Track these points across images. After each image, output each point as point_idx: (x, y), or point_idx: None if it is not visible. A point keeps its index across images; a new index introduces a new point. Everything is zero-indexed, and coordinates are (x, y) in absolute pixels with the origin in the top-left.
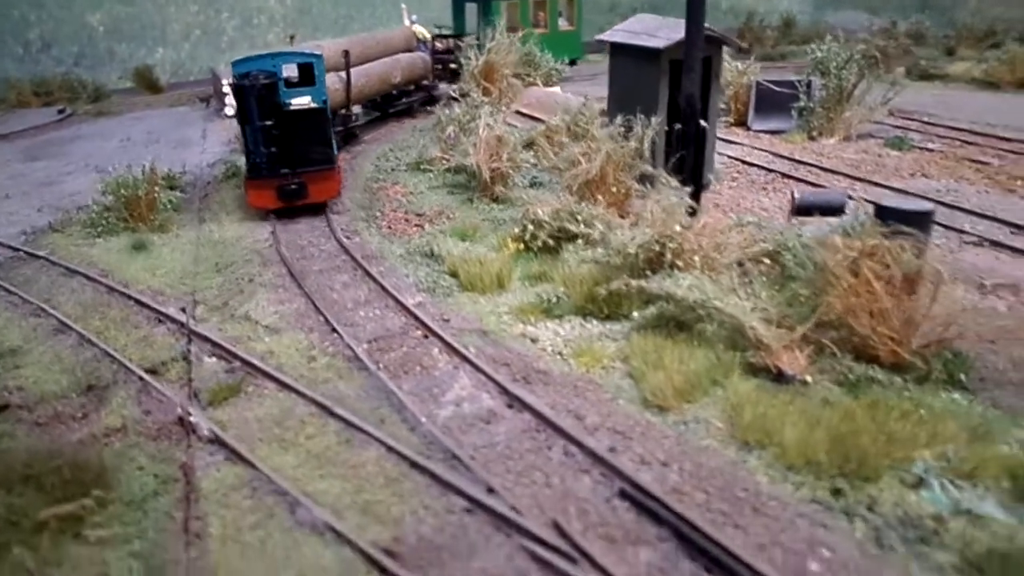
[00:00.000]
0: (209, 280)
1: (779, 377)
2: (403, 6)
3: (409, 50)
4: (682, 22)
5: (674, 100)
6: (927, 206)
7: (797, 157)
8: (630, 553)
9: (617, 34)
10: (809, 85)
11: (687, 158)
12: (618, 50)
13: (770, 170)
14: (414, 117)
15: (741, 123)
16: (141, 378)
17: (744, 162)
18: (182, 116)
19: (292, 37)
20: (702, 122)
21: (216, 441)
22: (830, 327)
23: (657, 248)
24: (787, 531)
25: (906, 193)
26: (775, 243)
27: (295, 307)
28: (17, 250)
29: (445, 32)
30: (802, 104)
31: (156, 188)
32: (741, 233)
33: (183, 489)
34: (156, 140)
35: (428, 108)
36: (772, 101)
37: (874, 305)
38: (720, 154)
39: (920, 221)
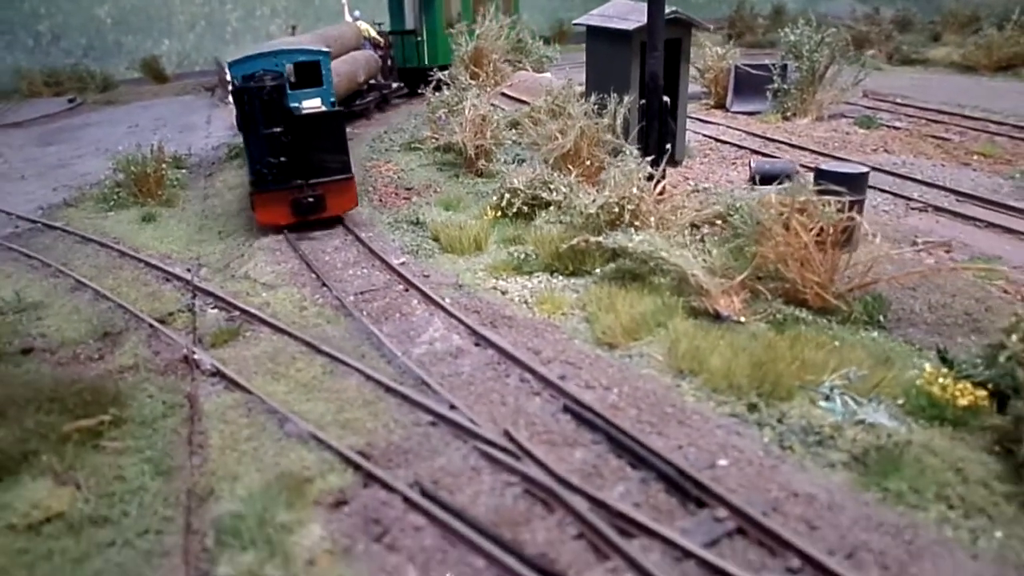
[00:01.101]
0: (212, 246)
1: (716, 318)
2: (343, 1)
3: (359, 48)
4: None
5: (644, 79)
6: (861, 169)
7: (769, 135)
8: (567, 453)
9: (593, 18)
10: (784, 68)
11: (650, 131)
12: (593, 33)
13: (741, 147)
14: (368, 119)
15: (721, 105)
16: (151, 326)
17: (718, 140)
18: (187, 104)
19: (294, 28)
20: (665, 98)
21: (217, 374)
22: (765, 275)
23: (616, 209)
24: (704, 437)
25: (861, 163)
26: (726, 206)
27: (290, 267)
28: (35, 222)
29: (385, 29)
30: (776, 86)
31: (164, 166)
32: (696, 198)
33: (188, 411)
34: (163, 126)
35: (382, 108)
36: (750, 84)
37: (802, 254)
38: (696, 133)
39: (853, 182)
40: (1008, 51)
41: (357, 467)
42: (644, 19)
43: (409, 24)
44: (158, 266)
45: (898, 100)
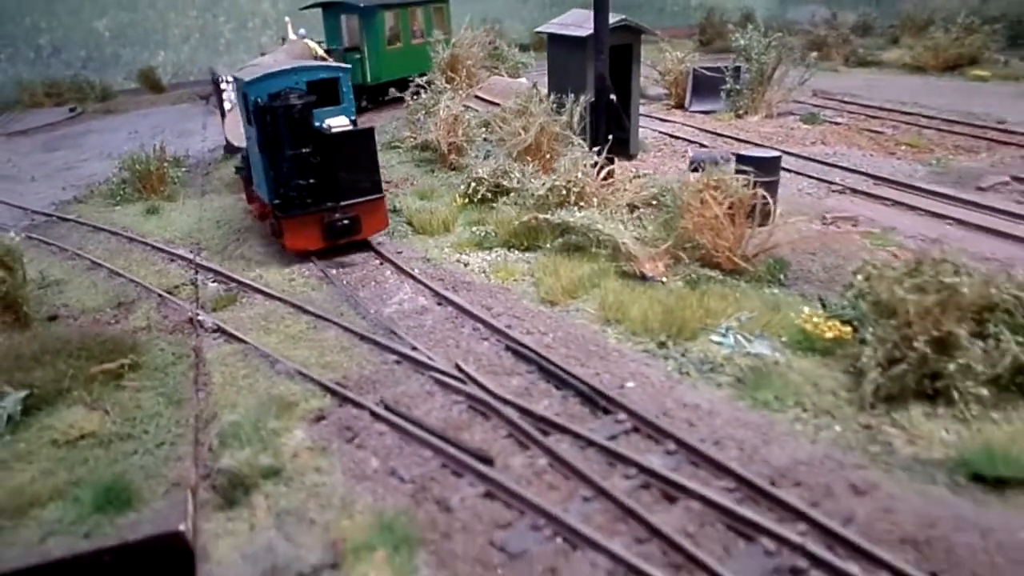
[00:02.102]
0: (211, 233)
1: (643, 279)
2: (287, 19)
3: None
4: (612, 16)
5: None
6: (773, 154)
7: (720, 132)
8: (505, 379)
9: (552, 27)
10: (737, 70)
11: (599, 125)
12: (553, 40)
13: (693, 142)
14: None
15: (680, 105)
16: (160, 296)
17: (673, 136)
18: (184, 112)
19: (284, 39)
20: (612, 96)
21: (218, 330)
22: (686, 243)
23: (564, 192)
24: (618, 367)
25: (773, 148)
26: (659, 188)
27: (279, 249)
28: (50, 216)
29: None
30: (729, 87)
31: (165, 164)
32: (636, 183)
33: (193, 359)
34: (161, 132)
35: None
36: (707, 85)
37: (715, 224)
38: (655, 130)
39: (766, 165)
40: (953, 52)
41: (334, 393)
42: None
43: (347, 42)
44: (163, 249)
45: (845, 99)
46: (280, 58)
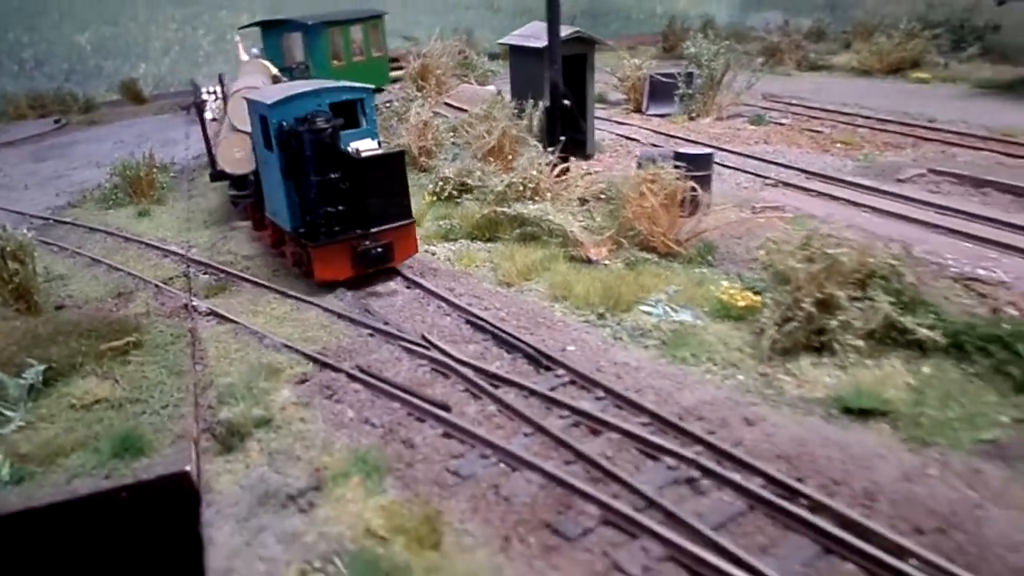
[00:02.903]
0: (199, 232)
1: (588, 262)
2: (237, 38)
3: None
4: (564, 27)
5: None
6: (706, 151)
7: (673, 133)
8: (464, 346)
9: (513, 38)
10: (690, 76)
11: (554, 128)
12: (514, 51)
13: (645, 143)
14: None
15: (638, 109)
16: (157, 286)
17: (628, 138)
18: (166, 122)
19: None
20: (566, 101)
21: (211, 314)
22: (627, 231)
23: (520, 188)
24: (561, 334)
25: (707, 145)
26: (607, 183)
27: (264, 246)
28: (47, 219)
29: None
30: (682, 91)
31: (154, 170)
32: (588, 179)
33: (190, 338)
34: (146, 141)
35: None
36: (663, 90)
37: (651, 213)
38: (612, 132)
39: (700, 161)
40: (896, 56)
41: (315, 360)
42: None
43: (288, 61)
44: (157, 246)
45: (792, 101)
46: (258, 79)
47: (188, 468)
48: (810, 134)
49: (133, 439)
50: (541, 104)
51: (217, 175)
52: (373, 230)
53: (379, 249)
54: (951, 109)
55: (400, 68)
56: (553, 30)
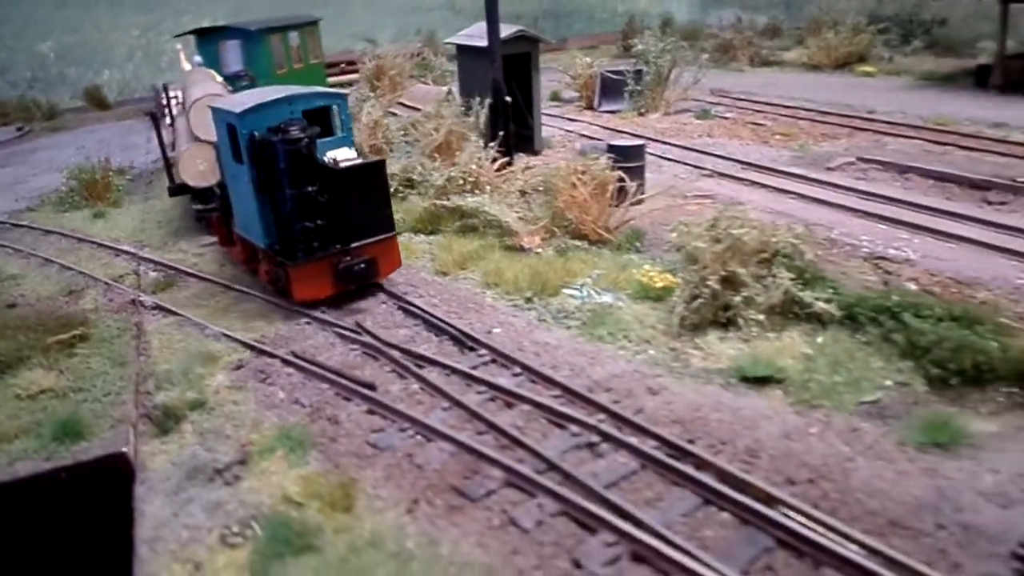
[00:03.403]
0: (153, 232)
1: (521, 250)
2: (178, 46)
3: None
4: (507, 27)
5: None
6: (638, 142)
7: (622, 128)
8: (395, 332)
9: (460, 38)
10: (639, 73)
11: (495, 123)
12: (461, 50)
13: (593, 138)
14: None
15: (590, 106)
16: (106, 284)
17: (579, 134)
18: (129, 127)
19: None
20: (508, 98)
21: (157, 308)
22: (560, 220)
23: (461, 181)
24: (490, 318)
25: (638, 137)
26: (544, 176)
27: (214, 243)
28: (3, 223)
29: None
30: (631, 88)
31: (110, 174)
32: (528, 173)
33: (135, 332)
34: (107, 146)
35: None
36: (614, 87)
37: (581, 203)
38: (562, 128)
39: (631, 152)
40: (843, 51)
41: (252, 347)
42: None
43: (227, 69)
44: (109, 246)
45: (740, 96)
46: (216, 87)
47: (125, 449)
48: (752, 127)
49: (74, 424)
50: (486, 102)
51: (177, 189)
52: (354, 244)
53: (362, 265)
54: (891, 101)
55: (354, 71)
56: (492, 29)
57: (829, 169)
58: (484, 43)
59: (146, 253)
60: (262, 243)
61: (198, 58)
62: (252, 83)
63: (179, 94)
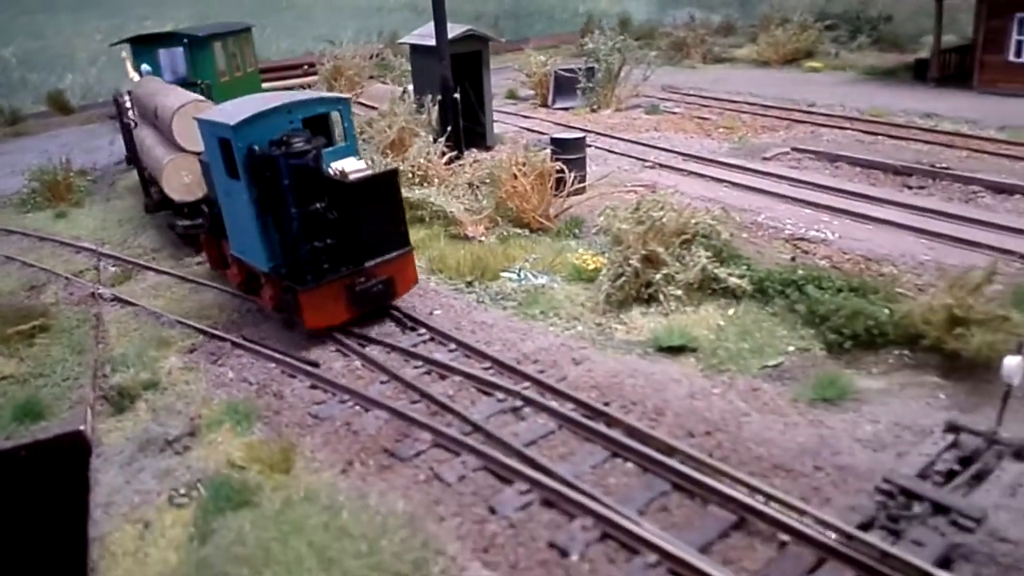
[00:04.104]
0: (114, 230)
1: (466, 239)
2: (124, 55)
3: None
4: (457, 26)
5: (457, 83)
6: (578, 135)
7: (574, 124)
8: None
9: (412, 38)
10: (591, 70)
11: (445, 120)
12: (413, 49)
13: (544, 133)
14: None
15: (545, 104)
16: (67, 278)
17: (531, 130)
18: (92, 131)
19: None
20: (456, 96)
21: (115, 299)
22: (503, 210)
23: (410, 175)
24: (431, 302)
25: (580, 130)
26: (490, 169)
27: (172, 239)
28: None
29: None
30: (583, 85)
31: (71, 175)
32: (477, 166)
33: (94, 322)
34: (71, 150)
35: None
36: (567, 84)
37: (522, 193)
38: (517, 126)
39: (572, 144)
40: (791, 47)
41: (205, 333)
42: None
43: (168, 78)
44: (71, 244)
45: (690, 92)
46: (185, 93)
47: (82, 427)
48: (698, 121)
49: (33, 406)
50: (436, 98)
51: (157, 205)
52: (368, 264)
53: (379, 285)
54: (833, 94)
55: (315, 73)
56: (440, 29)
57: (765, 159)
58: (434, 42)
59: (106, 250)
60: (264, 266)
61: (147, 67)
62: (207, 91)
63: (132, 102)
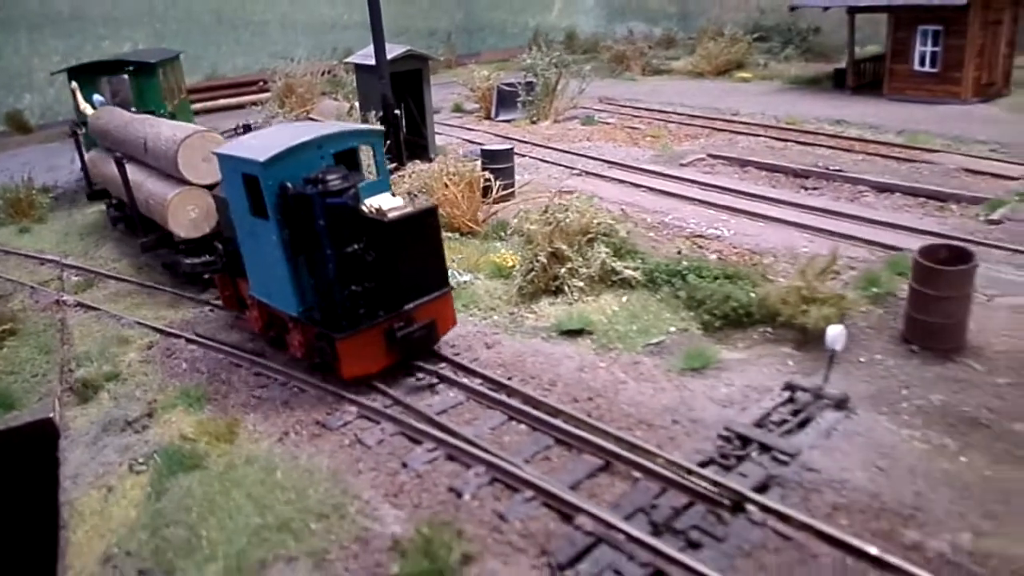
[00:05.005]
0: (76, 244)
1: None
2: (73, 85)
3: None
4: (398, 46)
5: (400, 99)
6: (507, 146)
7: (514, 136)
8: None
9: (357, 57)
10: (530, 84)
11: (387, 133)
12: (359, 68)
13: (484, 145)
14: None
15: (488, 116)
16: (32, 288)
17: (472, 141)
18: (53, 150)
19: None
20: (397, 111)
21: (78, 305)
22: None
23: None
24: None
25: (505, 140)
26: (425, 179)
27: (133, 249)
28: None
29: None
30: (523, 98)
31: (33, 192)
32: (415, 176)
33: (60, 326)
34: (32, 168)
35: None
36: (509, 98)
37: (452, 200)
38: (460, 138)
39: (500, 155)
40: (723, 59)
41: (161, 331)
42: (387, 57)
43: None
44: (35, 256)
45: (625, 103)
46: (172, 127)
47: (51, 415)
48: (628, 131)
49: (5, 398)
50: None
51: (156, 242)
52: (408, 306)
53: (422, 330)
54: (757, 103)
55: (266, 90)
56: (379, 50)
57: (682, 165)
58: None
59: (69, 261)
60: (294, 311)
61: (99, 97)
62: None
63: (96, 134)
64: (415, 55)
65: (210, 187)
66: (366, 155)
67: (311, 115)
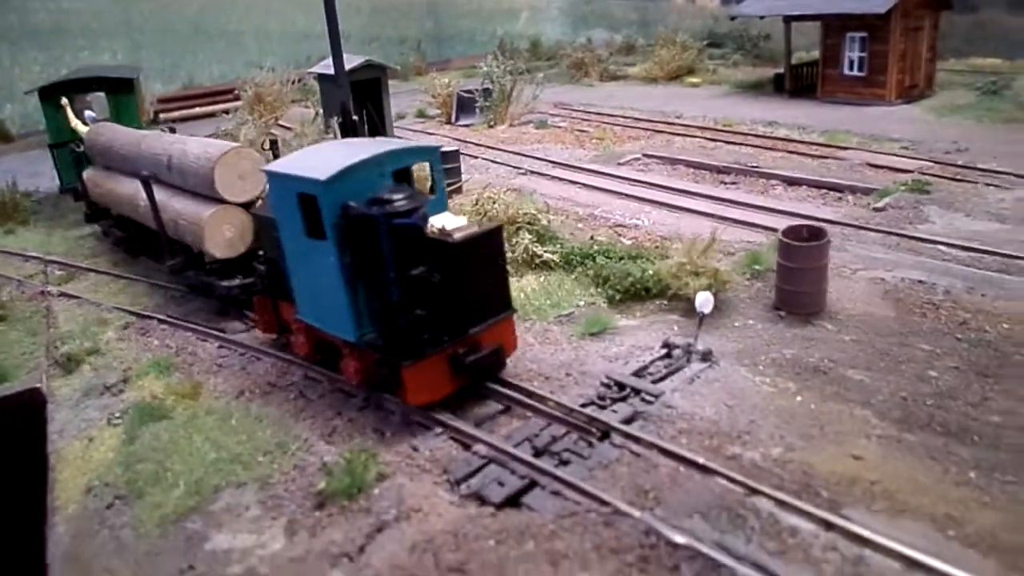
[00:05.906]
0: (59, 244)
1: None
2: (63, 101)
3: None
4: (356, 57)
5: (361, 106)
6: (453, 148)
7: (471, 139)
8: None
9: (319, 67)
10: (487, 91)
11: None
12: (321, 78)
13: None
14: None
15: (449, 121)
16: (19, 280)
17: None
18: (34, 158)
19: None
20: (355, 117)
21: (62, 295)
22: None
23: None
24: None
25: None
26: None
27: (112, 247)
28: None
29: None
30: (481, 104)
31: (17, 196)
32: None
33: (45, 312)
34: (15, 175)
35: None
36: (468, 104)
37: None
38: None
39: (449, 157)
40: (675, 65)
41: (136, 314)
42: (350, 65)
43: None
44: (20, 254)
45: (578, 108)
46: (202, 143)
47: (39, 385)
48: (577, 133)
49: None
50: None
51: (186, 263)
52: (473, 330)
53: (490, 356)
54: (701, 107)
55: (237, 98)
56: (337, 60)
57: (619, 164)
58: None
59: (53, 257)
60: (351, 336)
61: (90, 112)
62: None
63: (95, 152)
64: (374, 64)
65: (246, 205)
66: (424, 172)
67: (280, 122)
